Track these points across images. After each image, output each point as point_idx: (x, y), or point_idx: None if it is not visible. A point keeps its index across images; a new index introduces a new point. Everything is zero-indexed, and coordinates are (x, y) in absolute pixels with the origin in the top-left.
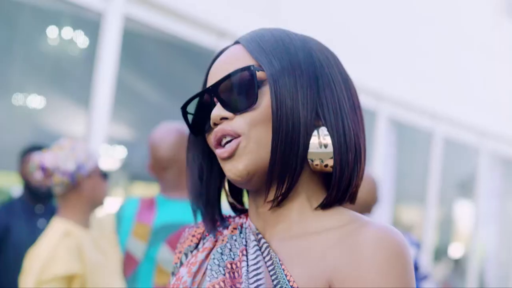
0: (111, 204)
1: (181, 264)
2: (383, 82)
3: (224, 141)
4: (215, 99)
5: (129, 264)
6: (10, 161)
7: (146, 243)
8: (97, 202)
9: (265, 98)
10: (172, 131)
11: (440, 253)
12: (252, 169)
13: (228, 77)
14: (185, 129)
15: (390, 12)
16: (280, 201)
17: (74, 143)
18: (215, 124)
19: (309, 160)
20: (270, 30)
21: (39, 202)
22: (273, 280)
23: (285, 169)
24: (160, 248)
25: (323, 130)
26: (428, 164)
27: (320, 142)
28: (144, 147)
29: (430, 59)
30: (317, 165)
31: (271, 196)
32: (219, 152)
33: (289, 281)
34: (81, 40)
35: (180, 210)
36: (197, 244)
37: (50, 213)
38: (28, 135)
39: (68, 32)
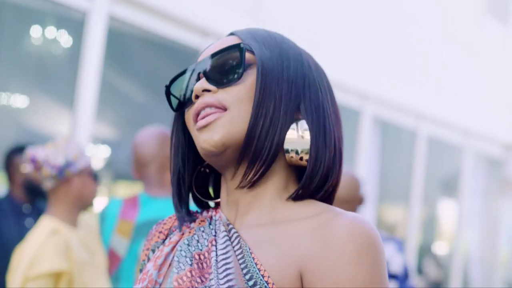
0: (96, 204)
1: (148, 260)
2: (368, 81)
3: (202, 113)
4: (200, 75)
5: (112, 261)
6: None
7: (129, 240)
8: (86, 202)
9: (250, 77)
10: (153, 131)
11: (424, 252)
12: (227, 142)
13: (216, 53)
14: (167, 130)
15: (375, 12)
16: (250, 185)
17: (68, 142)
18: (197, 97)
19: (285, 151)
20: (265, 30)
21: (27, 201)
22: (242, 269)
23: (258, 150)
24: (142, 243)
25: (303, 123)
26: (412, 163)
27: (298, 134)
28: (128, 147)
29: (414, 59)
30: (292, 157)
31: (240, 178)
32: (198, 123)
33: (259, 269)
34: (65, 39)
35: (163, 206)
36: (164, 240)
37: (37, 213)
38: (12, 135)
39: (52, 31)
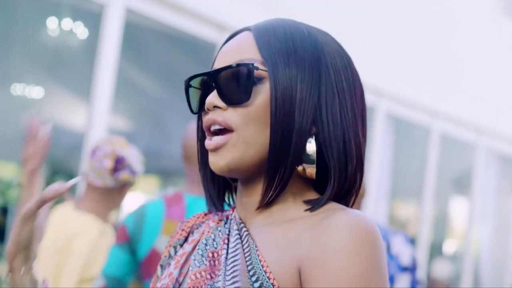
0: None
1: (170, 257)
2: (382, 78)
3: (213, 127)
4: (214, 85)
5: (156, 263)
6: (9, 151)
7: None
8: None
9: (261, 96)
10: None
11: (435, 249)
12: (233, 167)
13: (228, 67)
14: None
15: (389, 8)
16: (268, 203)
17: (130, 146)
18: (208, 110)
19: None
20: (284, 24)
21: None
22: (247, 265)
23: (274, 176)
24: None
25: (310, 138)
26: (425, 160)
27: (308, 151)
28: (143, 139)
29: (428, 56)
30: (298, 170)
31: (258, 198)
32: (207, 144)
33: (262, 266)
34: (82, 31)
35: None
36: (186, 238)
37: None
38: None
39: (69, 23)
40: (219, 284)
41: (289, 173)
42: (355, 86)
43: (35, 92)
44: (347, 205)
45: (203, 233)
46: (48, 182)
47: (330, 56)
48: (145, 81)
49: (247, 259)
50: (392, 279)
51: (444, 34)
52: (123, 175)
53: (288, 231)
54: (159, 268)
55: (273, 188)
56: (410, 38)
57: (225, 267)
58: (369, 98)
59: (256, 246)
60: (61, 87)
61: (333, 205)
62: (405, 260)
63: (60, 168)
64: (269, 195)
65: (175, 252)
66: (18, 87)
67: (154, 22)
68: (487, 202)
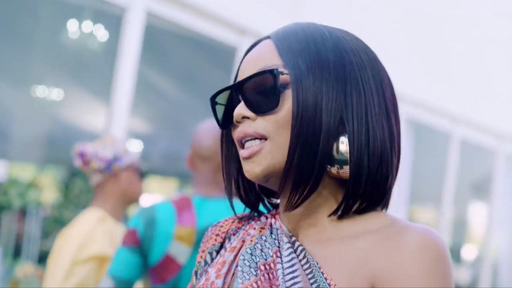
0: (142, 201)
1: (206, 263)
2: (402, 82)
3: (244, 140)
4: (240, 96)
5: (170, 268)
6: (29, 152)
7: (191, 247)
8: (131, 197)
9: (288, 101)
10: (218, 127)
11: (453, 255)
12: (268, 173)
13: (251, 77)
14: None
15: (410, 13)
16: (295, 207)
17: (115, 139)
18: (238, 122)
19: (327, 167)
20: (304, 28)
21: None
22: (311, 283)
23: (300, 176)
24: None
25: (342, 137)
26: (444, 165)
27: (337, 149)
28: (162, 142)
29: (449, 61)
30: (332, 172)
31: (287, 200)
32: (241, 152)
33: (329, 284)
34: (103, 34)
35: (222, 209)
36: (222, 244)
37: None
38: (47, 127)
39: (89, 26)
40: None
41: (318, 176)
42: (383, 82)
43: (55, 94)
44: (385, 207)
45: (243, 241)
46: (67, 184)
47: (354, 53)
48: (165, 84)
49: (309, 276)
50: None
51: (466, 39)
52: (92, 165)
53: (352, 249)
54: (194, 275)
55: (299, 189)
56: (432, 43)
57: (284, 283)
58: None
59: (317, 263)
60: (81, 90)
61: (395, 219)
62: None
63: (78, 171)
64: (296, 199)
65: (212, 259)
66: (38, 89)
67: (174, 25)
68: (506, 208)
